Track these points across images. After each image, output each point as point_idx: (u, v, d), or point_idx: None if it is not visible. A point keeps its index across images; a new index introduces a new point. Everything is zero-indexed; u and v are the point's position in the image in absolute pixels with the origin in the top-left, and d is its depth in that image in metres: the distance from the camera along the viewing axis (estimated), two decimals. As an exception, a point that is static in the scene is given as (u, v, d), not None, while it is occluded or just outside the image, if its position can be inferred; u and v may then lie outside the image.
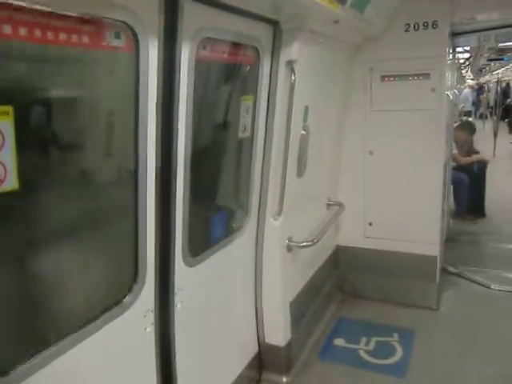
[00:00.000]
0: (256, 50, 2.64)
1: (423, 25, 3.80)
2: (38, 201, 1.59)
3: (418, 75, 3.91)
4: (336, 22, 2.94)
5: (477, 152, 7.31)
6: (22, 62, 1.46)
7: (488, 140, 11.46)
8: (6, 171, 1.35)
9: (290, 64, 2.79)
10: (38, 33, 1.36)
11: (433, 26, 3.77)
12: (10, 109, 1.33)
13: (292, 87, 2.80)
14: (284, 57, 2.78)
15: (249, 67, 2.72)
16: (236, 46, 2.50)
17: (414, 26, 3.83)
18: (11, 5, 1.26)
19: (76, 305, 1.80)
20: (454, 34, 4.34)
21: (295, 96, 2.82)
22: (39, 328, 1.68)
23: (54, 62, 1.58)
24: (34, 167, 1.55)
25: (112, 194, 1.97)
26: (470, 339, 3.61)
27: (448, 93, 4.08)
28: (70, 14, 1.44)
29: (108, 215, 1.95)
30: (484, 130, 13.60)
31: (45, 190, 1.62)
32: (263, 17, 2.56)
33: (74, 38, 1.48)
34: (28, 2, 1.30)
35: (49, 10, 1.36)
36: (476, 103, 19.20)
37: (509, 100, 17.95)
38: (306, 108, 3.08)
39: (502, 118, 15.39)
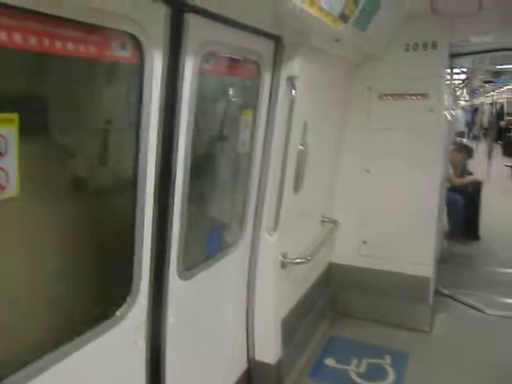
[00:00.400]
0: (257, 64, 2.63)
1: (423, 45, 3.83)
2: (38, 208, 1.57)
3: (416, 95, 3.92)
4: (337, 40, 2.95)
5: (470, 173, 7.34)
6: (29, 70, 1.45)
7: (482, 161, 11.53)
8: (7, 178, 1.33)
9: (291, 80, 2.78)
10: (46, 42, 1.35)
11: (432, 46, 3.80)
12: (15, 116, 1.31)
13: (292, 103, 2.78)
14: (285, 72, 2.78)
15: (250, 82, 2.71)
16: (238, 60, 2.50)
17: (414, 46, 3.86)
18: (19, 12, 1.25)
19: (67, 317, 1.74)
20: (452, 55, 4.38)
21: (295, 111, 2.81)
22: (29, 339, 1.63)
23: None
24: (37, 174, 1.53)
25: (112, 204, 1.94)
26: (464, 364, 3.56)
27: (446, 113, 4.09)
28: (77, 24, 1.43)
29: (107, 225, 1.91)
30: (478, 151, 13.70)
31: (43, 197, 1.60)
32: (266, 32, 2.55)
33: (81, 47, 1.48)
34: (37, 9, 1.28)
35: (56, 18, 1.34)
36: (470, 124, 19.40)
37: (502, 122, 18.17)
38: (305, 124, 3.07)
39: (495, 140, 15.57)
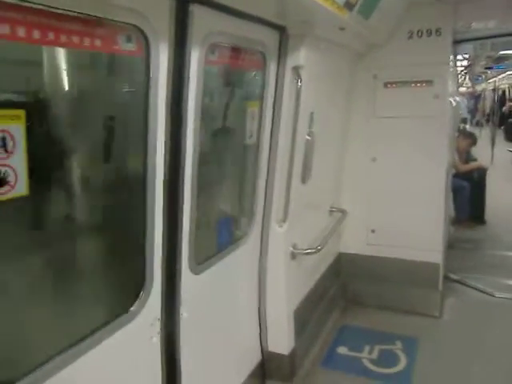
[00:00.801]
0: (263, 55, 2.62)
1: (427, 32, 3.81)
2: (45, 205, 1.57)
3: (421, 82, 3.91)
4: (342, 28, 2.94)
5: (474, 159, 7.34)
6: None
7: (485, 147, 11.50)
8: (16, 177, 1.32)
9: (297, 70, 2.77)
10: (51, 35, 1.34)
11: (436, 33, 3.78)
12: (21, 113, 1.30)
13: (298, 93, 2.78)
14: (290, 62, 2.77)
15: (255, 72, 2.70)
16: (243, 51, 2.49)
17: (418, 33, 3.84)
18: (24, 6, 1.24)
19: (83, 313, 1.76)
20: (456, 42, 4.35)
21: (301, 102, 2.80)
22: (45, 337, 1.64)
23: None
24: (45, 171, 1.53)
25: (123, 199, 1.94)
26: (475, 348, 3.58)
27: (451, 99, 4.08)
28: (81, 17, 1.42)
29: (118, 221, 1.92)
30: (481, 137, 13.65)
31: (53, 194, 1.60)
32: (271, 22, 2.55)
33: (86, 41, 1.47)
34: (42, 2, 1.27)
35: (62, 11, 1.33)
36: (472, 111, 19.32)
37: (504, 108, 18.07)
38: (312, 114, 3.07)
39: (498, 126, 15.50)
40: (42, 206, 1.61)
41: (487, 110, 18.66)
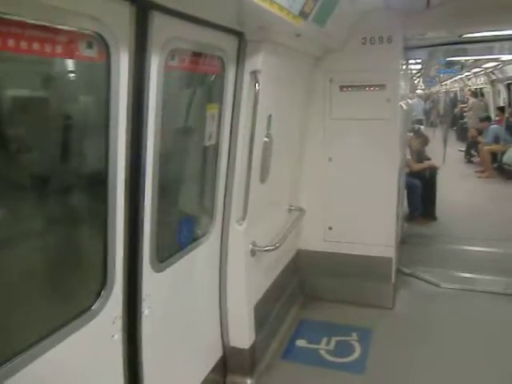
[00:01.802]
0: (222, 60, 2.72)
1: (379, 39, 4.02)
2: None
3: (374, 86, 4.11)
4: (298, 35, 3.07)
5: (428, 159, 7.71)
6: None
7: (438, 147, 12.05)
8: None
9: (255, 74, 2.88)
10: (11, 43, 1.38)
11: (387, 40, 3.99)
12: None
13: (256, 96, 2.89)
14: (248, 67, 2.88)
15: (214, 77, 2.79)
16: (203, 56, 2.57)
17: (371, 40, 4.04)
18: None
19: (44, 312, 1.80)
20: (407, 48, 4.60)
21: (259, 105, 2.91)
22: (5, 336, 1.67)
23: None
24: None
25: (84, 199, 1.99)
26: (423, 335, 3.84)
27: (402, 103, 4.31)
28: (43, 24, 1.47)
29: (78, 220, 1.96)
30: (435, 137, 14.28)
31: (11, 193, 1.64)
32: (229, 28, 2.65)
33: (48, 47, 1.52)
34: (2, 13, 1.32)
35: (23, 20, 1.38)
36: (427, 112, 20.11)
37: (456, 109, 18.94)
38: (270, 116, 3.19)
39: (451, 126, 16.25)
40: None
41: (441, 112, 19.51)
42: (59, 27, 1.54)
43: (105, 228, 1.96)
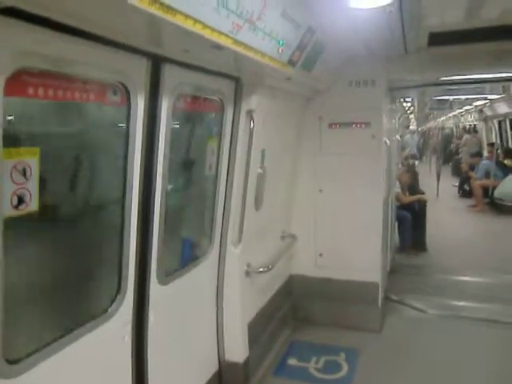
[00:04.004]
0: (221, 101, 3.13)
1: (363, 82, 4.45)
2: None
3: (360, 123, 4.51)
4: (288, 78, 3.49)
5: (422, 193, 8.05)
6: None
7: (433, 181, 12.44)
8: (31, 197, 1.73)
9: (250, 113, 3.28)
10: (60, 93, 1.79)
11: (371, 83, 4.43)
12: (37, 149, 1.73)
13: (251, 132, 3.28)
14: (244, 107, 3.28)
15: (214, 115, 3.20)
16: (205, 98, 2.99)
17: (356, 83, 4.47)
18: (43, 72, 1.69)
19: (70, 311, 2.12)
20: (392, 89, 5.05)
21: (254, 140, 3.30)
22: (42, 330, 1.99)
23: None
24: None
25: (104, 221, 2.36)
26: (408, 356, 4.08)
27: (385, 139, 4.70)
28: (82, 78, 1.89)
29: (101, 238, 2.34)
30: (430, 172, 14.71)
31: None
32: (228, 74, 3.07)
33: (85, 95, 1.93)
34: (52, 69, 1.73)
35: (68, 75, 1.79)
36: (421, 148, 20.69)
37: (452, 145, 19.49)
38: (263, 150, 3.57)
39: (447, 162, 16.73)
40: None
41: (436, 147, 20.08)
42: (93, 79, 1.95)
43: (120, 243, 2.30)
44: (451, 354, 4.11)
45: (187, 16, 1.78)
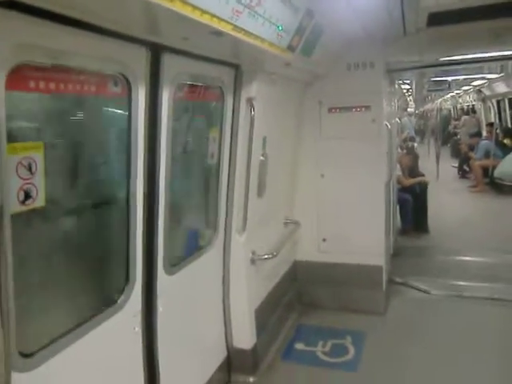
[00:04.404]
0: (221, 89, 3.11)
1: (362, 65, 4.43)
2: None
3: (360, 107, 4.50)
4: (288, 64, 3.47)
5: (422, 175, 8.05)
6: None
7: (433, 163, 12.43)
8: (37, 192, 1.72)
9: (250, 100, 3.26)
10: (62, 86, 1.78)
11: (370, 65, 4.40)
12: (41, 144, 1.73)
13: (252, 120, 3.26)
14: (244, 94, 3.26)
15: (215, 104, 3.18)
16: (204, 86, 2.97)
17: (355, 66, 4.45)
18: (44, 66, 1.68)
19: (81, 303, 2.14)
20: (390, 71, 5.02)
21: (255, 128, 3.29)
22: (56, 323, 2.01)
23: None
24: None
25: (110, 213, 2.36)
26: (413, 337, 4.12)
27: (386, 123, 4.69)
28: (83, 70, 1.87)
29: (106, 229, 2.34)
30: (429, 154, 14.69)
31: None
32: (227, 62, 3.04)
33: (86, 87, 1.92)
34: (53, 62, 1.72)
35: (69, 67, 1.78)
36: (421, 130, 20.63)
37: (450, 127, 19.44)
38: (265, 138, 3.56)
39: (445, 143, 16.70)
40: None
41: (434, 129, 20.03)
42: (94, 71, 1.94)
43: (127, 235, 2.31)
44: (455, 333, 4.16)
45: (185, 2, 1.76)
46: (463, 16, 3.76)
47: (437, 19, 3.82)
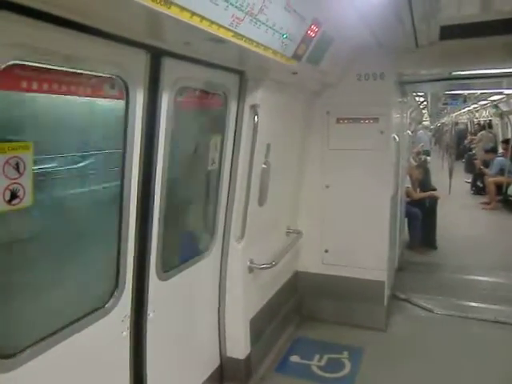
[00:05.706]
0: (225, 95, 3.08)
1: (372, 75, 4.36)
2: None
3: (368, 119, 4.43)
4: (294, 72, 3.42)
5: (434, 189, 7.92)
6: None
7: (446, 178, 12.24)
8: (25, 192, 1.71)
9: (254, 108, 3.22)
10: (55, 87, 1.76)
11: (380, 77, 4.33)
12: (30, 144, 1.71)
13: (255, 127, 3.22)
14: (248, 101, 3.23)
15: (218, 109, 3.15)
16: (207, 92, 2.94)
17: (365, 76, 4.38)
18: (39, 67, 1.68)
19: (64, 306, 2.12)
20: (402, 83, 4.94)
21: (258, 135, 3.25)
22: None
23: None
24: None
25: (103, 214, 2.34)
26: (412, 357, 4.01)
27: (394, 135, 4.61)
28: (79, 72, 1.86)
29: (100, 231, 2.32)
30: (443, 168, 14.48)
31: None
32: (231, 68, 3.01)
33: (81, 89, 1.91)
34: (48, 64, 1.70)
35: (63, 69, 1.76)
36: (436, 143, 20.38)
37: (466, 141, 19.15)
38: (268, 145, 3.51)
39: (460, 158, 16.45)
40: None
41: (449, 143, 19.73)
42: (90, 73, 1.93)
43: (118, 237, 2.28)
44: (457, 355, 4.04)
45: (183, 8, 1.73)
46: (477, 30, 3.69)
47: (449, 33, 3.76)
